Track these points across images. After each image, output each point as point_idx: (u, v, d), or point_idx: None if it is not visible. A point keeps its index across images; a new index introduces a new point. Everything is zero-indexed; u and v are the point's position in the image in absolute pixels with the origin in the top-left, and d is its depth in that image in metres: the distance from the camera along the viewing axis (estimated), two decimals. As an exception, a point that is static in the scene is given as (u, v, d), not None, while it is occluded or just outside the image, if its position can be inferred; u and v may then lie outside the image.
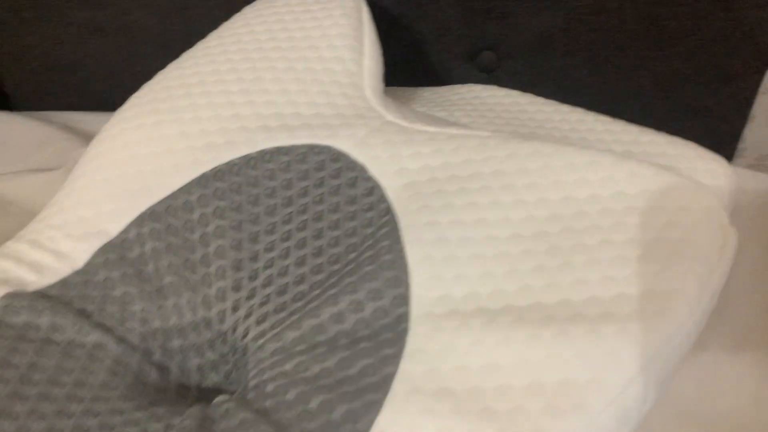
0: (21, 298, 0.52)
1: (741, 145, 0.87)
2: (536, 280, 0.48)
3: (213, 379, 0.54)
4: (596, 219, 0.50)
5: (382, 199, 0.56)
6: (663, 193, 0.50)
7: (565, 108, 0.69)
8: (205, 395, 0.54)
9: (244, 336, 0.52)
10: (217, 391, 0.55)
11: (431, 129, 0.59)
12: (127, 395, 0.48)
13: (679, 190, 0.50)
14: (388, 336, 0.48)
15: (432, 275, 0.50)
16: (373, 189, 0.56)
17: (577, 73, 0.82)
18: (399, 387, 0.45)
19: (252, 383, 0.49)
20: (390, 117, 0.61)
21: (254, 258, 0.55)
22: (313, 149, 0.59)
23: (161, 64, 0.70)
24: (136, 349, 0.52)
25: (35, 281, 0.54)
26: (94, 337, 0.51)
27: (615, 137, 0.65)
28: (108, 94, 0.92)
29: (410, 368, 0.46)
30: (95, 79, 0.92)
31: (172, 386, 0.52)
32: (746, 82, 0.80)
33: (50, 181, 0.75)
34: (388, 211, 0.55)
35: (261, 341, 0.51)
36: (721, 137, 0.84)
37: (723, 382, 0.55)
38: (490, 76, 0.83)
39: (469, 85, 0.77)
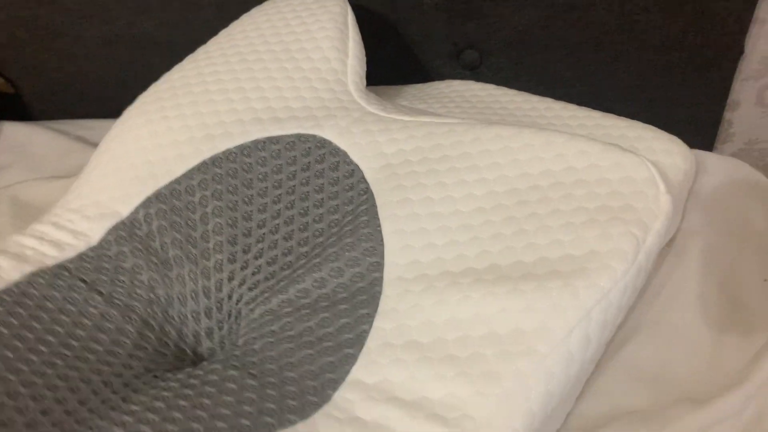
0: (42, 274, 0.59)
1: (730, 131, 0.89)
2: (494, 246, 0.54)
3: (207, 345, 0.60)
4: (548, 191, 0.55)
5: (362, 180, 0.62)
6: (608, 167, 0.56)
7: (535, 98, 0.75)
8: (201, 359, 0.61)
9: (238, 301, 0.58)
10: (211, 356, 0.61)
11: (406, 118, 0.65)
12: (132, 356, 0.55)
13: (623, 163, 0.56)
14: (363, 298, 0.54)
15: (404, 245, 0.56)
16: (354, 171, 0.62)
17: (557, 67, 0.86)
18: (372, 342, 0.51)
19: (241, 341, 0.55)
20: (370, 108, 0.67)
21: (247, 234, 0.61)
22: (300, 138, 0.65)
23: (168, 71, 0.75)
24: (139, 317, 0.58)
25: (56, 256, 0.61)
26: (102, 307, 0.57)
27: (579, 122, 0.70)
28: (120, 102, 0.97)
29: (382, 325, 0.52)
30: (107, 88, 0.97)
31: (171, 350, 0.59)
32: (721, 70, 0.82)
33: (68, 186, 0.78)
34: (367, 191, 0.61)
35: (252, 305, 0.57)
36: (702, 124, 0.87)
37: (679, 349, 0.59)
38: (474, 73, 0.88)
39: (448, 80, 0.82)
